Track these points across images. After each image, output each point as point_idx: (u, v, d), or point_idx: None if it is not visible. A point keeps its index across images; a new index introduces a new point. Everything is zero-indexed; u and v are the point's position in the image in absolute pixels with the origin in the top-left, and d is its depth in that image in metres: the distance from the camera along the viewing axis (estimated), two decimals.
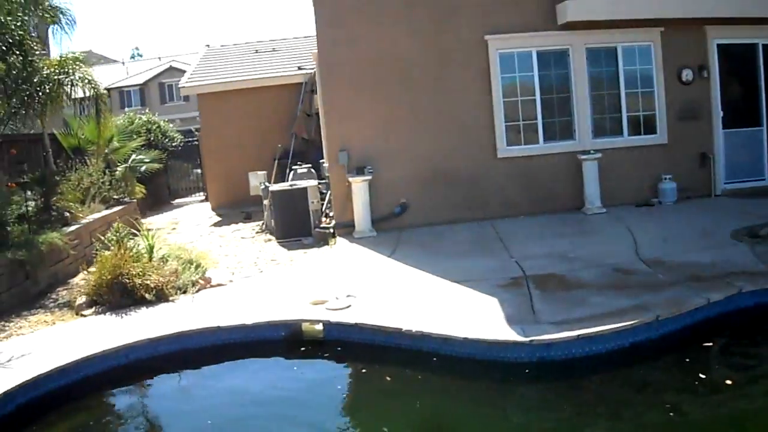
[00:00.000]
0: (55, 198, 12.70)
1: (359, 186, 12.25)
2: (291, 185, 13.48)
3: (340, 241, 12.14)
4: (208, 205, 19.21)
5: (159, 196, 19.53)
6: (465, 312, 7.70)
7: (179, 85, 18.86)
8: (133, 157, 16.36)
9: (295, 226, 12.94)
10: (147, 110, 25.46)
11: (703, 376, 6.32)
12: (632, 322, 6.87)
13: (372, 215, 12.42)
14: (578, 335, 6.69)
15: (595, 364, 6.66)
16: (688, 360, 6.68)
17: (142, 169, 16.34)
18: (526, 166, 12.94)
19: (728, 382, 6.04)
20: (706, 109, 13.31)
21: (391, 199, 12.68)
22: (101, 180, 14.55)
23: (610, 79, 13.09)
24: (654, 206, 12.79)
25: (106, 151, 15.79)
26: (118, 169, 15.97)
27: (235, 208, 17.21)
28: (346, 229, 12.47)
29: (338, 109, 12.61)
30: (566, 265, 9.24)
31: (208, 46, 21.12)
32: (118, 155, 16.06)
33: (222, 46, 21.44)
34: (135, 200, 15.90)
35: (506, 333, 6.88)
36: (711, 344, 6.95)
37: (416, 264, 9.98)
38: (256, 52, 19.58)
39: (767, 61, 13.52)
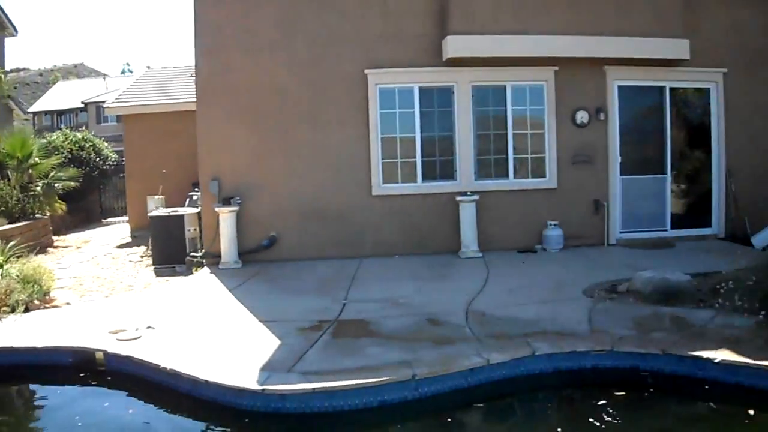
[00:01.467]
0: None
1: (226, 216, 12.33)
2: (170, 212, 13.67)
3: (203, 272, 12.17)
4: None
5: (91, 213, 20.03)
6: (240, 353, 7.60)
7: (104, 105, 19.37)
8: (52, 174, 16.85)
9: (171, 253, 13.04)
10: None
11: None
12: (382, 379, 6.64)
13: (241, 247, 12.48)
14: (314, 388, 6.70)
15: (333, 421, 6.46)
16: (444, 426, 6.52)
17: (57, 186, 16.77)
18: (403, 206, 12.85)
19: None
20: (602, 153, 13.13)
21: (261, 231, 12.68)
22: (7, 195, 15.03)
23: (497, 118, 12.98)
24: (536, 253, 12.65)
25: (23, 166, 16.29)
26: (39, 185, 16.49)
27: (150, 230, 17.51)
28: (215, 259, 12.53)
29: (212, 139, 12.66)
30: (387, 311, 9.09)
31: (148, 67, 21.60)
32: (36, 171, 16.53)
33: (162, 68, 21.84)
34: (47, 216, 16.37)
35: (246, 379, 6.92)
36: (482, 407, 6.80)
37: (250, 300, 9.99)
38: (191, 75, 19.88)
39: (674, 105, 13.45)
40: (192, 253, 12.93)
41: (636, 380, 6.96)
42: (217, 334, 8.48)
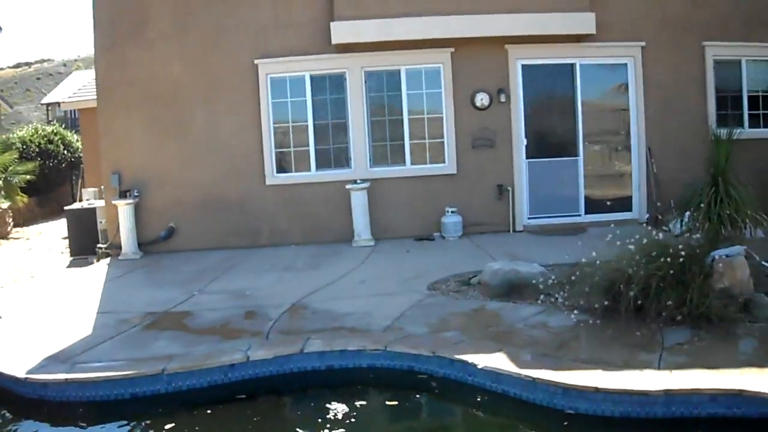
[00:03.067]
0: None
1: (124, 209, 12.75)
2: (84, 205, 14.51)
3: (103, 262, 12.76)
4: None
5: (63, 204, 21.13)
6: (47, 342, 8.09)
7: (61, 100, 20.38)
8: (11, 168, 18.09)
9: (85, 244, 13.62)
10: None
11: None
12: (132, 372, 7.04)
13: (141, 238, 12.97)
14: (66, 379, 6.96)
15: (89, 410, 6.84)
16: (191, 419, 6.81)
17: (15, 180, 17.98)
18: (298, 195, 13.05)
19: None
20: (505, 136, 13.04)
21: (161, 222, 13.07)
22: None
23: (392, 104, 13.03)
24: (433, 241, 12.70)
25: None
26: None
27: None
28: (119, 250, 13.07)
29: (112, 133, 13.07)
30: (222, 303, 9.35)
31: None
32: None
33: None
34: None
35: (24, 367, 7.30)
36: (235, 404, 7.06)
37: (113, 291, 10.67)
38: None
39: (586, 83, 13.37)
40: (98, 245, 13.71)
41: (412, 382, 7.09)
42: (47, 323, 9.06)
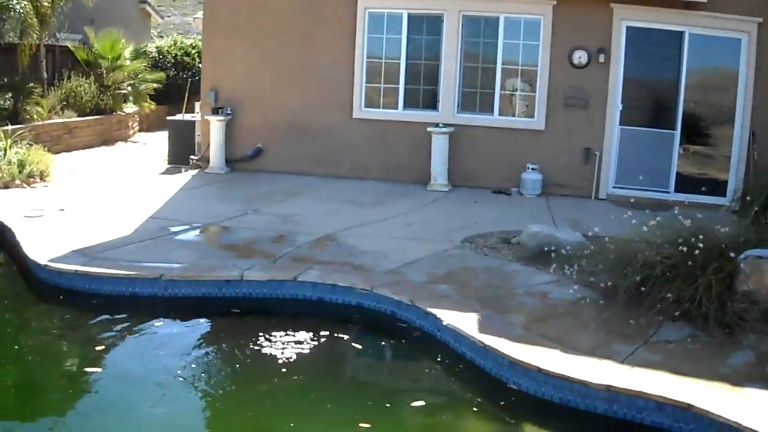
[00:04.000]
0: (24, 102, 16.03)
1: (215, 125, 13.48)
2: (187, 117, 15.49)
3: (192, 173, 13.73)
4: None
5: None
6: (90, 237, 8.96)
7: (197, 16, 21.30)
8: (140, 75, 19.37)
9: (182, 154, 14.51)
10: None
11: None
12: (133, 272, 7.79)
13: (229, 155, 13.73)
14: (76, 270, 7.79)
15: (96, 300, 7.59)
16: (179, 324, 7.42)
17: (142, 87, 19.23)
18: (383, 131, 13.29)
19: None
20: (600, 98, 12.63)
21: (250, 142, 13.75)
22: (83, 91, 17.64)
23: (487, 51, 12.88)
24: (509, 195, 12.58)
25: (111, 66, 18.88)
26: (126, 85, 19.17)
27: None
28: (208, 163, 13.86)
29: (214, 52, 13.81)
30: (267, 224, 10.02)
31: None
32: (122, 72, 18.96)
33: None
34: (124, 113, 18.96)
35: (54, 256, 8.16)
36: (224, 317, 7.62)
37: (180, 200, 11.60)
38: None
39: (694, 54, 12.69)
40: (191, 156, 14.61)
41: (392, 327, 7.34)
42: (99, 220, 10.01)
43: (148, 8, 26.48)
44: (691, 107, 12.75)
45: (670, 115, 12.68)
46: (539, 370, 5.93)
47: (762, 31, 12.35)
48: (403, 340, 7.21)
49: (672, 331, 6.85)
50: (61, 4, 16.97)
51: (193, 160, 14.08)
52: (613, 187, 12.81)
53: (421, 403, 5.93)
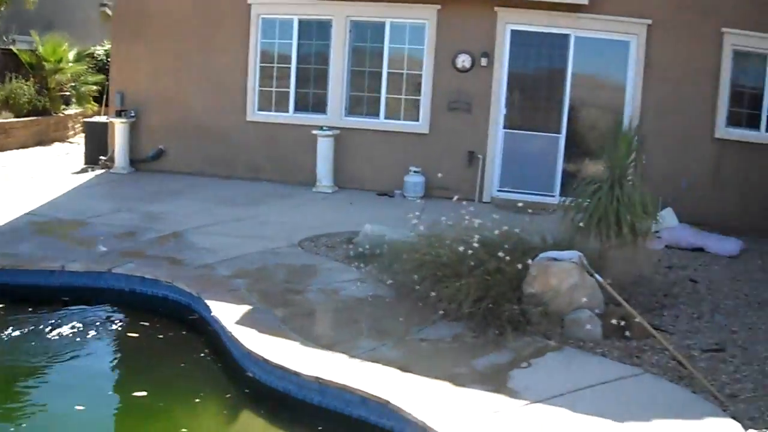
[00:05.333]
0: None
1: (119, 127, 14.10)
2: (103, 119, 16.14)
3: (96, 172, 14.45)
4: None
5: None
6: None
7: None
8: (81, 78, 20.24)
9: (96, 155, 15.15)
10: None
11: None
12: None
13: (134, 155, 14.40)
14: None
15: None
16: None
17: (83, 89, 20.08)
18: (274, 134, 13.78)
19: None
20: (483, 102, 12.95)
21: (153, 143, 14.35)
22: (22, 92, 18.45)
23: (374, 56, 13.29)
24: (393, 198, 12.93)
25: (49, 69, 19.64)
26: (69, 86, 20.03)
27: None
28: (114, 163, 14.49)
29: (121, 56, 14.41)
30: (130, 221, 10.58)
31: None
32: (63, 75, 19.76)
33: None
34: (62, 114, 19.86)
35: None
36: None
37: (68, 197, 12.17)
38: None
39: (580, 58, 12.95)
40: (101, 157, 15.29)
41: (186, 317, 7.81)
42: None
43: (108, 10, 27.29)
44: (577, 111, 13.01)
45: (556, 118, 12.92)
46: (264, 360, 6.27)
47: (651, 33, 12.65)
48: (185, 331, 7.65)
49: (440, 330, 7.14)
50: (1, 9, 17.64)
51: (102, 160, 14.70)
52: (498, 191, 13.09)
53: (143, 393, 6.27)
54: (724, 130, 12.91)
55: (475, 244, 7.45)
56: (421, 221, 8.56)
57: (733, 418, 5.71)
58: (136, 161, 14.32)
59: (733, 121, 12.97)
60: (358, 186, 13.16)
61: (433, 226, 8.36)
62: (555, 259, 7.55)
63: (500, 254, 7.32)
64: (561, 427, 5.37)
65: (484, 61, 12.86)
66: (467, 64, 12.92)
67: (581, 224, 8.62)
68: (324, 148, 13.06)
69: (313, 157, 13.37)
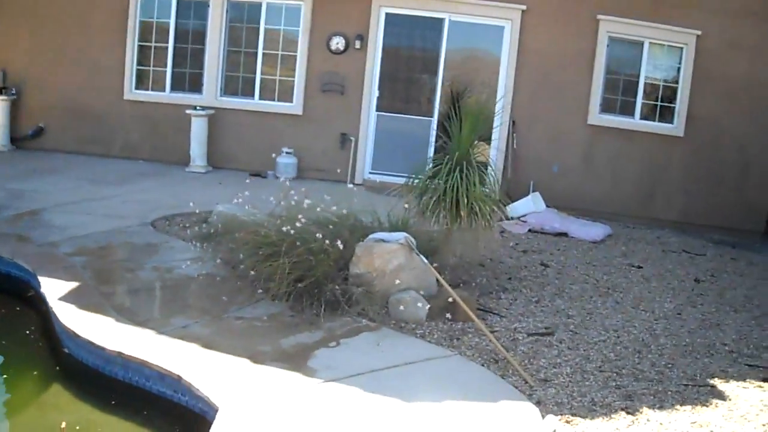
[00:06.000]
0: None
1: None
2: None
3: None
4: None
5: None
6: None
7: None
8: None
9: None
10: None
11: None
12: None
13: (14, 133, 14.38)
14: None
15: None
16: None
17: None
18: (151, 113, 13.88)
19: None
20: (356, 85, 13.25)
21: (33, 121, 14.35)
22: None
23: (250, 36, 13.51)
24: (265, 178, 13.12)
25: None
26: None
27: None
28: None
29: (2, 32, 14.39)
30: None
31: None
32: None
33: None
34: None
35: None
36: None
37: None
38: None
39: (452, 42, 13.26)
40: None
41: (27, 293, 7.92)
42: None
43: None
44: (450, 94, 13.35)
45: (429, 102, 13.26)
46: (75, 335, 6.45)
47: (525, 18, 13.09)
48: (20, 307, 7.86)
49: (260, 309, 7.36)
50: None
51: None
52: (370, 173, 13.37)
53: None
54: (597, 117, 13.34)
55: (298, 225, 7.68)
56: (282, 202, 8.64)
57: (537, 403, 5.97)
58: (16, 139, 14.31)
59: (608, 107, 13.48)
60: (232, 166, 13.38)
61: (290, 208, 8.45)
62: (383, 240, 7.81)
63: (318, 235, 7.58)
64: (346, 406, 5.58)
65: (358, 44, 13.09)
66: (341, 47, 13.17)
67: (421, 206, 8.85)
68: (198, 128, 13.24)
69: (188, 137, 13.49)
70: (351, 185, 12.30)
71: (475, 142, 9.19)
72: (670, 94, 13.60)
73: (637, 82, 13.50)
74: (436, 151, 12.56)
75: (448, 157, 8.81)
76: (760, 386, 6.81)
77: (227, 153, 13.41)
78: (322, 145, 13.36)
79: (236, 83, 13.74)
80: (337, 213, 8.35)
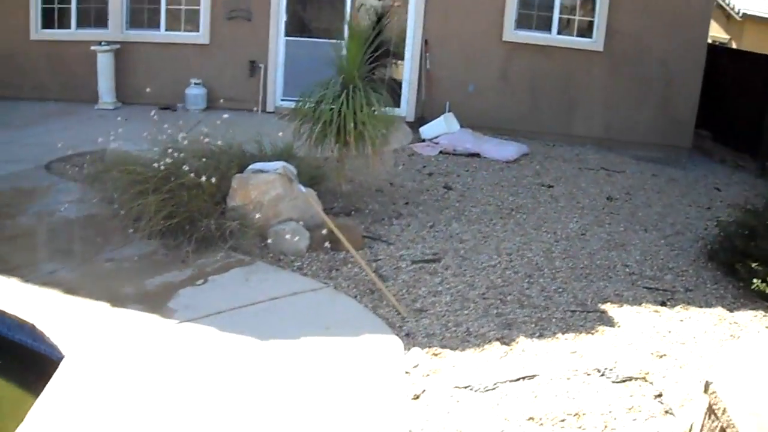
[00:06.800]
0: None
1: None
2: None
3: None
4: None
5: None
6: None
7: None
8: None
9: None
10: None
11: None
12: None
13: None
14: None
15: None
16: None
17: None
18: (58, 52, 13.51)
19: None
20: (263, 9, 13.04)
21: None
22: None
23: None
24: (175, 111, 12.90)
25: None
26: None
27: None
28: None
29: None
30: None
31: None
32: None
33: None
34: None
35: None
36: None
37: None
38: None
39: None
40: None
41: None
42: None
43: None
44: (361, 15, 13.16)
45: (338, 24, 12.99)
46: None
47: None
48: None
49: (134, 249, 7.34)
50: None
51: None
52: (282, 100, 13.19)
53: None
54: (513, 33, 13.22)
55: (169, 160, 7.52)
56: (185, 134, 8.34)
57: (407, 335, 5.95)
58: None
59: (524, 23, 13.32)
60: (142, 101, 12.96)
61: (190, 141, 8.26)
62: (261, 171, 7.71)
63: (185, 167, 7.43)
64: (197, 347, 5.59)
65: None
66: None
67: (310, 133, 8.73)
68: (104, 64, 13.02)
69: (95, 74, 13.16)
70: (262, 113, 12.23)
71: (366, 63, 9.06)
72: (590, 8, 13.27)
73: None
74: None
75: (332, 80, 8.55)
76: (657, 311, 6.83)
77: (137, 88, 13.07)
78: (231, 74, 13.19)
79: (142, 15, 13.39)
80: (222, 144, 8.09)
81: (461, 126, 12.48)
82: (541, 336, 6.08)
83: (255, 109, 13.02)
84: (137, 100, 13.14)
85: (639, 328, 6.35)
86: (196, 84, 13.02)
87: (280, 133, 8.66)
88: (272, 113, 12.99)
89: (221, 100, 12.18)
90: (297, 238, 7.48)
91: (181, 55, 13.29)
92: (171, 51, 13.31)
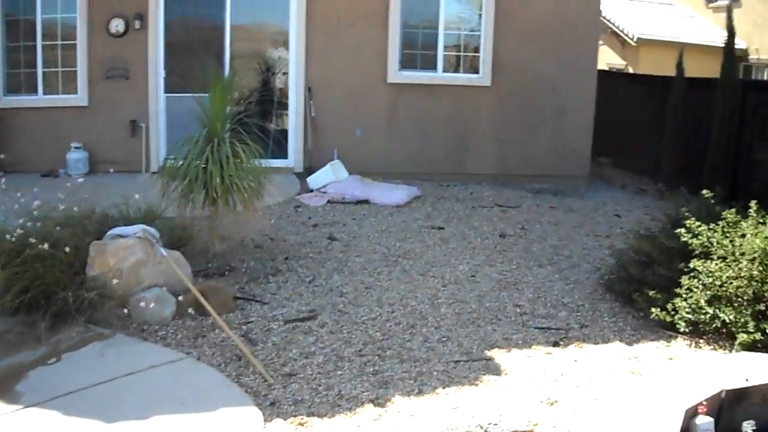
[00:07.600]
0: None
1: None
2: None
3: None
4: None
5: None
6: None
7: None
8: None
9: None
10: None
11: None
12: None
13: None
14: None
15: None
16: None
17: None
18: None
19: None
20: (141, 67, 12.86)
21: None
22: None
23: (28, 29, 12.90)
24: (58, 177, 12.64)
25: None
26: None
27: None
28: None
29: None
30: None
31: None
32: None
33: None
34: None
35: None
36: None
37: None
38: None
39: (236, 11, 13.03)
40: None
41: None
42: None
43: None
44: (240, 67, 13.06)
45: (219, 78, 12.78)
46: None
47: None
48: None
49: None
50: None
51: None
52: (165, 159, 12.91)
53: None
54: (397, 74, 13.25)
55: (20, 231, 7.13)
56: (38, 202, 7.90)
57: (272, 404, 5.68)
58: None
59: (409, 63, 13.39)
60: (24, 168, 12.73)
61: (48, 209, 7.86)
62: (120, 236, 7.46)
63: (31, 239, 7.05)
64: None
65: (138, 24, 12.72)
66: (121, 29, 12.79)
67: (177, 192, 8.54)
68: None
69: None
70: (147, 173, 12.00)
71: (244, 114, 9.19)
72: (475, 44, 13.38)
73: (437, 34, 13.26)
74: None
75: (195, 137, 8.41)
76: (549, 352, 6.67)
77: (19, 155, 12.66)
78: (112, 136, 12.93)
79: (19, 79, 13.08)
80: (83, 210, 7.84)
81: (350, 173, 12.45)
82: (420, 393, 5.85)
83: (139, 170, 12.58)
84: (19, 168, 12.77)
85: (528, 374, 6.18)
86: (76, 148, 12.75)
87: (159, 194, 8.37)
88: (156, 173, 12.66)
89: (104, 164, 11.94)
90: (161, 305, 7.22)
91: (60, 118, 13.00)
92: (50, 115, 13.01)
